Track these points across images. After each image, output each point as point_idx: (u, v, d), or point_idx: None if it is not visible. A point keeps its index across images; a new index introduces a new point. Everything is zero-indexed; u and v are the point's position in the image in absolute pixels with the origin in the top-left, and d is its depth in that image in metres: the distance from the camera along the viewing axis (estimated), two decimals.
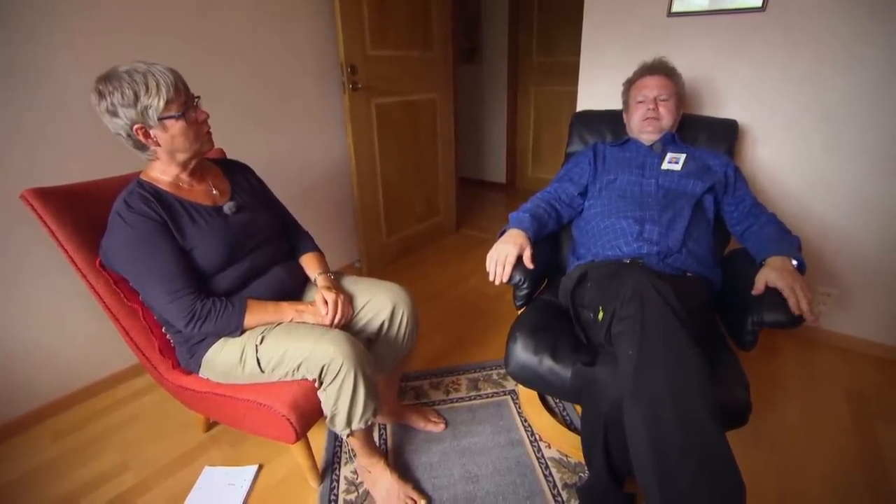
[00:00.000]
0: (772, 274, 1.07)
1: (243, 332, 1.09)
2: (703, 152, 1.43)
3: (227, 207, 1.15)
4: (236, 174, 1.26)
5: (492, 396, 1.60)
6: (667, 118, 1.42)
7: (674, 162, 1.38)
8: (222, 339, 1.10)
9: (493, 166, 4.20)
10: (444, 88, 2.74)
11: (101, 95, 0.94)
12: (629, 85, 1.51)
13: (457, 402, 1.58)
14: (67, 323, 1.56)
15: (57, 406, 1.58)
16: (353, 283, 1.28)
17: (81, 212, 1.11)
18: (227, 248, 1.10)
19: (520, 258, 1.23)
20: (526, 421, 1.48)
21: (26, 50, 1.34)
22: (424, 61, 2.58)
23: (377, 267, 2.61)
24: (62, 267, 1.30)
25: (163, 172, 1.08)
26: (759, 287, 1.08)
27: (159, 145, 1.01)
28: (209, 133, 1.08)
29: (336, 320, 1.13)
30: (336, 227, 2.47)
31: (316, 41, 2.12)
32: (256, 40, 1.91)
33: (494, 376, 1.70)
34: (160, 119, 0.97)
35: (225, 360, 1.09)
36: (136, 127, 0.97)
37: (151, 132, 0.99)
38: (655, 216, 1.28)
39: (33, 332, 1.50)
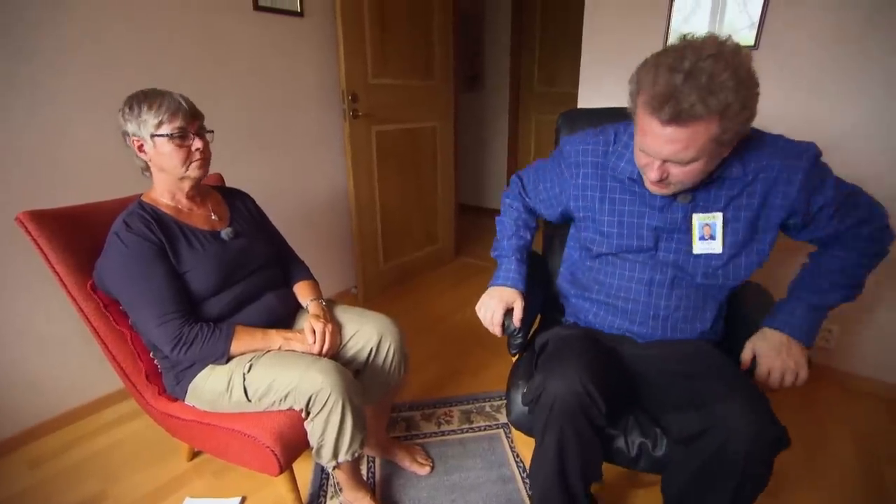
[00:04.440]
0: (762, 347, 0.95)
1: (230, 359, 1.07)
2: (763, 174, 0.93)
3: (225, 233, 1.16)
4: (235, 201, 1.28)
5: (484, 430, 1.56)
6: (687, 181, 0.89)
7: (708, 236, 0.97)
8: (209, 367, 1.08)
9: (493, 193, 4.22)
10: (444, 116, 2.78)
11: (123, 104, 1.04)
12: (634, 99, 0.87)
13: (448, 434, 1.54)
14: (54, 345, 1.54)
15: (39, 431, 1.54)
16: (342, 313, 1.26)
17: (75, 235, 1.11)
18: (222, 274, 1.11)
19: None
20: (518, 456, 1.44)
21: (29, 71, 1.37)
22: (425, 89, 2.62)
23: (373, 294, 2.59)
24: (51, 289, 1.29)
25: (162, 195, 1.11)
26: (745, 360, 0.97)
27: (151, 161, 1.07)
28: (201, 161, 1.09)
29: (324, 350, 1.12)
30: (333, 252, 2.47)
31: (318, 69, 2.17)
32: (260, 67, 1.95)
33: (488, 409, 1.66)
34: (152, 135, 1.02)
35: (212, 387, 1.07)
36: (133, 138, 1.04)
37: (145, 146, 1.05)
38: (666, 307, 1.04)
39: (18, 354, 1.48)
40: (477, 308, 1.12)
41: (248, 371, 1.05)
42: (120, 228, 1.03)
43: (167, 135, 1.02)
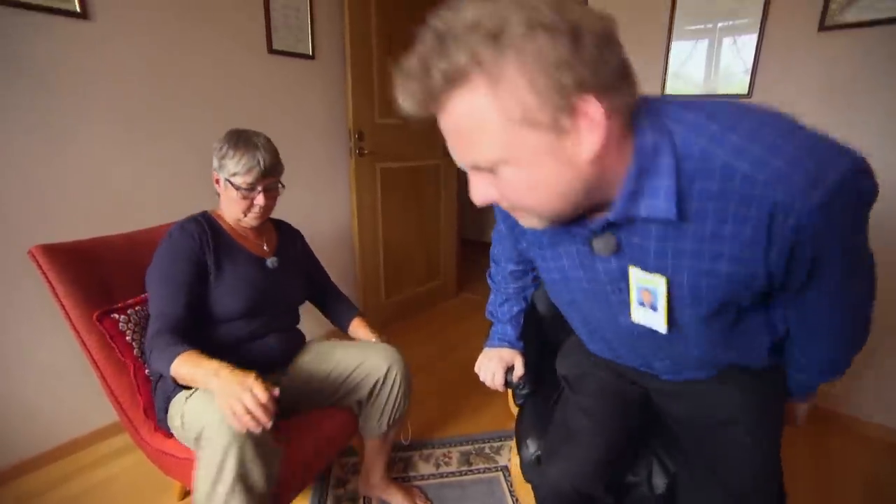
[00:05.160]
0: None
1: (178, 385, 1.01)
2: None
3: (271, 262, 1.22)
4: (287, 236, 1.35)
5: (483, 472, 1.53)
6: (525, 203, 0.58)
7: (648, 304, 0.68)
8: (182, 393, 1.03)
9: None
10: (448, 154, 2.84)
11: (222, 138, 1.13)
12: None
13: (447, 476, 1.51)
14: (52, 376, 1.53)
15: (31, 464, 1.51)
16: (343, 348, 1.27)
17: (83, 269, 1.13)
18: (252, 301, 1.14)
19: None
20: (517, 501, 1.40)
21: (47, 106, 1.42)
22: (431, 129, 2.68)
23: (374, 329, 2.58)
24: (53, 320, 1.30)
25: (227, 213, 1.19)
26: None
27: (220, 194, 1.17)
28: (259, 215, 1.16)
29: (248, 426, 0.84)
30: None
31: (327, 108, 2.24)
32: (272, 105, 2.02)
33: (487, 450, 1.63)
34: (225, 179, 1.11)
35: (171, 414, 1.05)
36: (214, 169, 1.14)
37: (220, 182, 1.14)
38: (665, 352, 0.81)
39: (17, 384, 1.47)
40: (476, 369, 1.09)
41: (190, 396, 1.00)
42: (175, 228, 1.12)
43: (235, 185, 1.10)
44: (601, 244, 0.64)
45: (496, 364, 1.06)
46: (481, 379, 1.08)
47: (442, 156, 2.80)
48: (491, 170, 0.54)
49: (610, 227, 0.61)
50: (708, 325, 0.68)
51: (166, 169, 1.71)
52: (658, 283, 0.63)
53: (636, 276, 0.64)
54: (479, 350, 1.10)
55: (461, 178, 3.06)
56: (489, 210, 4.53)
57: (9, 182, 1.37)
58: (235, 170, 1.08)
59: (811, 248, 0.55)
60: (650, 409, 0.94)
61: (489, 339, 1.12)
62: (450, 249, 3.02)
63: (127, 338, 1.14)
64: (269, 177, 1.13)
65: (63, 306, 1.09)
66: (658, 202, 0.55)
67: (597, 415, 0.88)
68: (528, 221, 0.61)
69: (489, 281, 1.13)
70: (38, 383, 1.51)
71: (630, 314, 0.70)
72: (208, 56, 1.77)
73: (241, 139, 1.11)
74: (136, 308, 1.18)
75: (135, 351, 1.14)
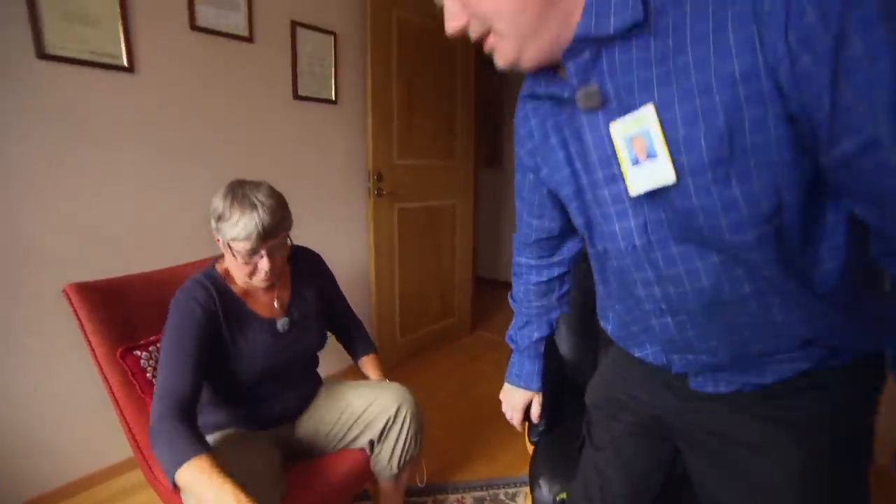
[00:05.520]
0: None
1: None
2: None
3: (281, 325, 1.15)
4: (302, 274, 1.25)
5: None
6: (503, 30, 0.56)
7: (642, 155, 0.53)
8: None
9: (509, 265, 4.26)
10: (464, 194, 2.90)
11: (221, 195, 1.03)
12: None
13: None
14: (70, 411, 1.56)
15: (46, 499, 1.52)
16: (354, 388, 1.27)
17: (111, 306, 1.17)
18: (265, 368, 1.12)
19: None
20: None
21: (88, 150, 1.51)
22: (447, 169, 2.76)
23: (388, 368, 2.55)
24: (77, 356, 1.34)
25: (233, 273, 1.11)
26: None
27: (223, 255, 1.10)
28: (265, 278, 1.07)
29: None
30: None
31: (347, 150, 2.32)
32: (296, 147, 2.11)
33: (502, 496, 1.59)
34: (225, 243, 1.03)
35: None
36: (213, 229, 1.05)
37: (220, 243, 1.06)
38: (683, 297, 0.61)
39: (36, 418, 1.49)
40: (501, 396, 1.07)
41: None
42: (182, 294, 1.05)
43: (235, 252, 1.02)
44: (583, 96, 0.56)
45: (514, 405, 1.03)
46: (503, 409, 1.07)
47: (458, 195, 2.86)
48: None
49: (587, 72, 0.55)
50: (728, 183, 0.49)
51: (194, 209, 1.78)
52: (645, 115, 0.51)
53: (620, 128, 0.54)
54: (495, 389, 1.09)
55: (476, 217, 3.11)
56: (504, 248, 4.55)
57: (47, 220, 1.45)
58: (233, 234, 0.99)
59: (815, 13, 0.40)
60: (679, 474, 0.81)
61: (508, 369, 1.05)
62: (464, 287, 3.03)
63: (148, 375, 1.17)
64: (270, 239, 1.02)
65: (90, 343, 1.13)
66: (625, 11, 0.49)
67: (613, 477, 0.82)
68: (503, 51, 0.58)
69: (510, 302, 1.03)
70: (56, 417, 1.53)
71: (627, 185, 0.56)
72: (237, 102, 1.87)
73: (237, 198, 1.00)
74: (159, 345, 1.21)
75: (155, 388, 1.16)
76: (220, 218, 1.01)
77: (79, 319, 1.12)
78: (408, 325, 2.68)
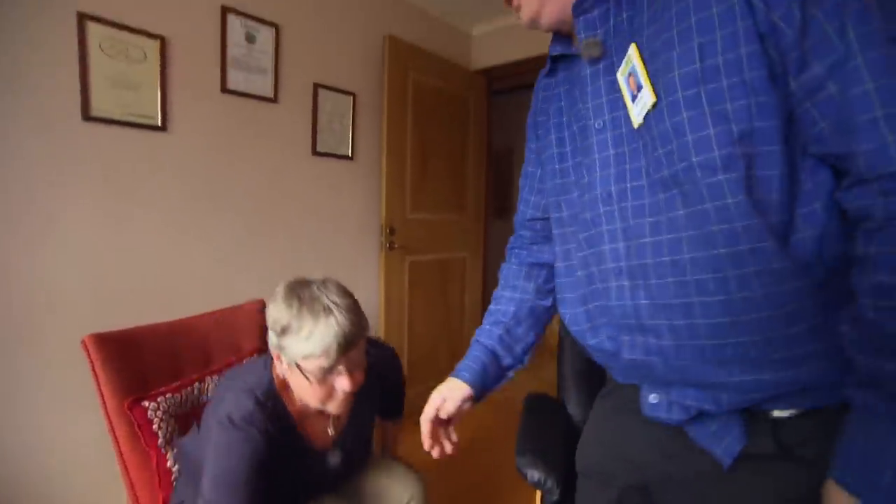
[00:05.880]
0: None
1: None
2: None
3: (332, 459, 0.99)
4: (362, 397, 1.00)
5: None
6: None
7: (635, 89, 0.56)
8: None
9: None
10: (474, 247, 2.94)
11: (279, 302, 0.85)
12: None
13: None
14: (74, 462, 1.53)
15: None
16: (370, 474, 1.21)
17: (127, 358, 1.18)
18: (305, 498, 0.98)
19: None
20: None
21: (116, 202, 1.57)
22: (458, 223, 2.82)
23: None
24: (85, 406, 1.34)
25: (300, 396, 0.91)
26: None
27: (286, 378, 0.91)
28: (344, 402, 0.89)
29: None
30: None
31: (362, 204, 2.39)
32: (312, 200, 2.18)
33: None
34: (293, 362, 0.84)
35: None
36: (273, 347, 0.87)
37: (283, 362, 0.87)
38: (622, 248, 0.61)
39: (39, 467, 1.47)
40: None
41: None
42: (241, 420, 0.83)
43: (308, 372, 0.83)
44: (585, 45, 0.62)
45: (431, 398, 0.81)
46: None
47: (468, 248, 2.90)
48: None
49: (594, 28, 0.62)
50: (699, 101, 0.50)
51: (213, 259, 1.83)
52: (631, 55, 0.56)
53: (621, 71, 0.59)
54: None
55: (486, 268, 3.13)
56: None
57: (71, 270, 1.49)
58: (307, 351, 0.79)
59: None
60: None
61: None
62: None
63: (154, 426, 1.15)
64: (351, 349, 0.83)
65: (102, 394, 1.13)
66: None
67: None
68: (526, 7, 0.66)
69: (499, 277, 0.94)
70: (59, 468, 1.50)
71: (631, 119, 0.58)
72: (259, 158, 1.96)
73: (305, 303, 0.81)
74: (167, 395, 1.21)
75: (159, 441, 1.15)
76: (284, 331, 0.81)
77: (94, 371, 1.13)
78: (416, 379, 2.63)
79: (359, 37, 2.31)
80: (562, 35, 0.69)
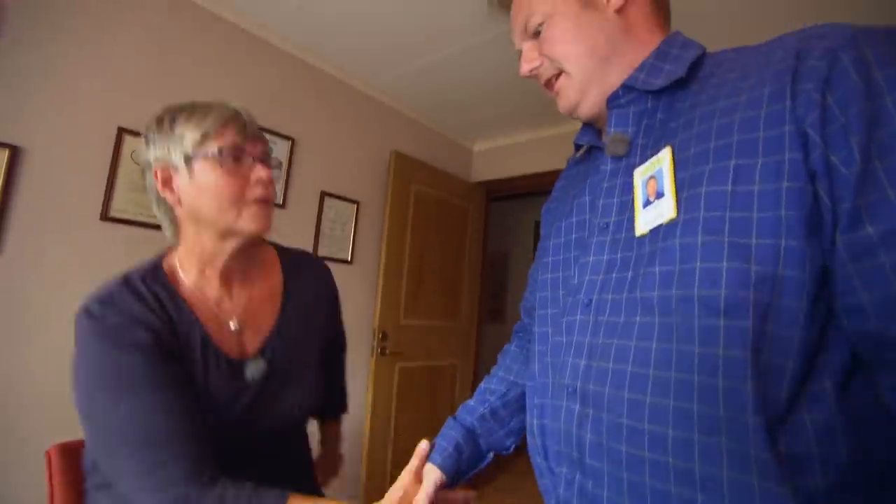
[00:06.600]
0: None
1: None
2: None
3: (251, 370, 0.75)
4: (297, 301, 0.85)
5: None
6: (560, 59, 0.62)
7: (653, 195, 0.52)
8: None
9: None
10: (466, 353, 2.92)
11: (150, 124, 0.71)
12: None
13: None
14: None
15: None
16: None
17: (77, 468, 1.13)
18: (215, 432, 0.70)
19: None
20: None
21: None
22: (450, 329, 2.83)
23: None
24: None
25: (187, 266, 0.74)
26: None
27: (180, 204, 0.71)
28: (263, 203, 0.72)
29: None
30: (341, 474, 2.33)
31: (356, 307, 2.42)
32: None
33: None
34: (188, 157, 0.67)
35: None
36: (156, 168, 0.69)
37: (175, 178, 0.69)
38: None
39: None
40: None
41: None
42: (100, 303, 0.64)
43: (215, 154, 0.67)
44: (612, 140, 0.59)
45: (401, 477, 0.75)
46: None
47: (459, 355, 2.88)
48: (537, 34, 0.62)
49: (625, 123, 0.60)
50: (721, 230, 0.44)
51: None
52: (662, 156, 0.52)
53: (641, 170, 0.55)
54: None
55: (476, 373, 3.08)
56: None
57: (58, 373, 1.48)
58: (203, 129, 0.67)
59: (856, 107, 0.39)
60: None
61: None
62: None
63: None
64: (259, 140, 0.72)
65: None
66: (674, 67, 0.56)
67: None
68: (567, 93, 0.63)
69: (498, 357, 0.94)
70: None
71: (636, 225, 0.53)
72: None
73: (192, 105, 0.71)
74: None
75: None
76: (169, 131, 0.68)
77: (50, 483, 1.08)
78: None
79: (367, 151, 2.50)
80: (591, 125, 0.68)
